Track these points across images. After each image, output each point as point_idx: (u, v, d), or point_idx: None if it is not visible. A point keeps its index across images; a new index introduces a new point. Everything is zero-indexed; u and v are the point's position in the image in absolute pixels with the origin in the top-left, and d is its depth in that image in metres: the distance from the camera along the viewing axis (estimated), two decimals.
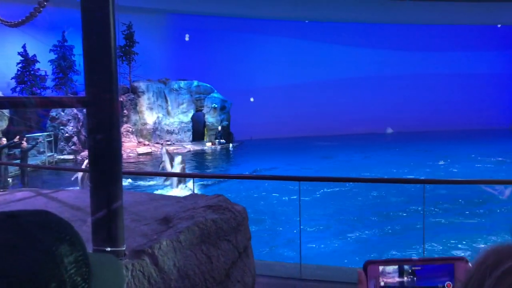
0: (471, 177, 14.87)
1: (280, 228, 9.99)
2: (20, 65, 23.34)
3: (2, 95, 17.62)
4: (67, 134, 22.30)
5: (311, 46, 32.13)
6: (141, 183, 15.42)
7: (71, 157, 21.67)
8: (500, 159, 19.56)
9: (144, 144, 24.81)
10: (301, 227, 6.24)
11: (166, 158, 16.21)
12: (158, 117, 25.76)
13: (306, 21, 31.58)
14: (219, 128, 26.52)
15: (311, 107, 31.38)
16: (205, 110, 27.05)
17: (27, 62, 23.43)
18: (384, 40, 32.94)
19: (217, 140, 26.11)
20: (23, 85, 23.38)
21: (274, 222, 10.53)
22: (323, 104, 31.60)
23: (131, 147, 23.74)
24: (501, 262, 0.57)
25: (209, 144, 25.99)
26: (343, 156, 21.50)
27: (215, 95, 27.23)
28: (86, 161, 23.17)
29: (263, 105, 30.59)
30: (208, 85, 27.27)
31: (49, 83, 24.31)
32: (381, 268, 1.02)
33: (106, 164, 2.37)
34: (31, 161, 16.33)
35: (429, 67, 33.48)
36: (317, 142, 26.89)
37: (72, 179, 13.44)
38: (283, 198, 12.23)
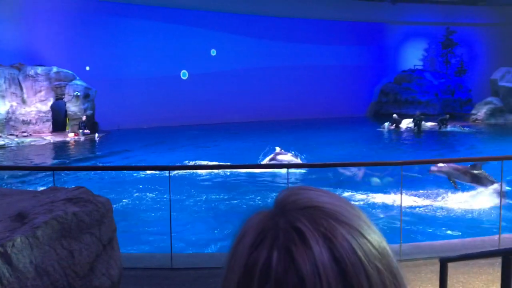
0: (328, 161, 16.12)
1: (153, 220, 9.82)
2: None
3: None
4: None
5: (191, 35, 31.70)
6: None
7: None
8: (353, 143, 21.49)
9: None
10: (172, 216, 6.21)
11: None
12: (11, 106, 23.44)
13: (193, 10, 31.05)
14: (83, 117, 25.01)
15: (185, 96, 31.08)
16: (66, 98, 25.25)
17: None
18: (245, 30, 33.73)
19: (80, 131, 24.61)
20: None
21: (147, 214, 10.31)
22: (196, 93, 31.51)
23: None
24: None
25: (71, 134, 24.39)
26: (223, 143, 21.92)
27: (77, 82, 25.55)
28: None
29: (133, 93, 29.51)
30: (70, 71, 25.48)
31: None
32: None
33: None
34: None
35: (292, 59, 35.24)
36: (192, 131, 26.86)
37: None
38: (155, 188, 12.02)
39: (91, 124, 25.34)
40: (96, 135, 24.94)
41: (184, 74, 31.48)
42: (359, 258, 0.47)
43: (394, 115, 27.95)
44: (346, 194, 11.16)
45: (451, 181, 10.31)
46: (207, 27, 32.22)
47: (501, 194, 7.10)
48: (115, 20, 29.53)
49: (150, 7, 30.24)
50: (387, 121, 28.06)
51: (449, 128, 27.08)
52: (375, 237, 0.51)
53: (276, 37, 34.54)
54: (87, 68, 27.78)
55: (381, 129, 27.31)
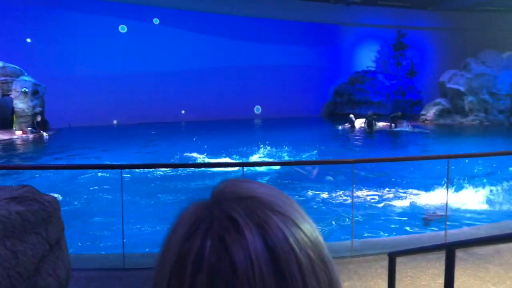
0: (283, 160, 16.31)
1: (105, 220, 9.59)
2: None
3: None
4: None
5: (149, 32, 31.07)
6: None
7: None
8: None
9: None
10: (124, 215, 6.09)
11: None
12: None
13: (153, 6, 30.36)
14: (31, 114, 24.09)
15: (139, 94, 30.46)
16: (13, 94, 24.21)
17: None
18: (200, 28, 33.50)
19: (29, 128, 23.68)
20: None
21: (99, 214, 10.06)
22: (152, 91, 30.98)
23: None
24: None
25: (19, 132, 23.42)
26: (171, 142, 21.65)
27: (25, 78, 24.56)
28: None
29: (86, 91, 28.64)
30: (17, 66, 24.47)
31: None
32: None
33: None
34: None
35: (247, 59, 35.28)
36: (146, 129, 26.43)
37: None
38: (106, 188, 11.75)
39: (40, 122, 24.42)
40: (45, 134, 24.05)
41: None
42: (291, 246, 0.48)
43: (351, 115, 28.55)
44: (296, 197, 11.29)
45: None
46: (166, 24, 31.76)
47: (447, 191, 7.39)
48: (67, 15, 28.60)
49: (106, 2, 29.46)
50: (341, 121, 28.60)
51: (399, 128, 27.96)
52: (308, 227, 0.52)
53: (231, 36, 34.49)
54: (34, 64, 26.67)
55: (339, 128, 28.07)
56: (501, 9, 41.27)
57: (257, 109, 34.76)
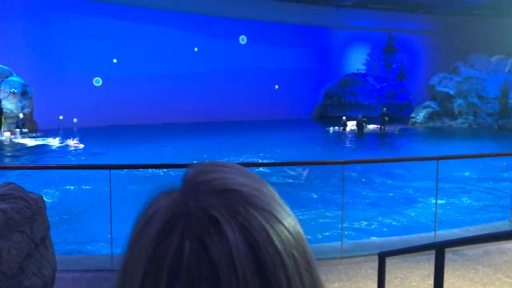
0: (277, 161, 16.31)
1: (93, 220, 9.51)
2: None
3: None
4: None
5: (152, 33, 30.92)
6: None
7: None
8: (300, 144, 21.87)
9: None
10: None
11: None
12: None
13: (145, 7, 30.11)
14: (20, 115, 23.85)
15: (127, 96, 30.26)
16: (1, 95, 23.98)
17: None
18: (187, 28, 33.44)
19: (18, 129, 23.45)
20: None
21: (87, 214, 9.98)
22: (140, 93, 30.80)
23: None
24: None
25: (7, 133, 23.18)
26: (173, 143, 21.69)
27: (14, 78, 24.33)
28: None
29: (75, 92, 28.34)
30: (6, 67, 24.22)
31: None
32: None
33: None
34: None
35: (239, 61, 35.21)
36: (135, 130, 26.31)
37: None
38: (95, 188, 11.65)
39: (29, 122, 24.19)
40: (34, 134, 23.82)
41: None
42: (276, 248, 0.44)
43: (344, 118, 28.66)
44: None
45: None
46: (151, 22, 31.58)
47: (437, 192, 7.42)
48: (56, 16, 28.33)
49: (94, 3, 29.21)
50: (331, 123, 28.74)
51: (389, 130, 28.21)
52: (290, 221, 0.49)
53: (223, 38, 34.43)
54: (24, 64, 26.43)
55: (330, 130, 28.25)
56: (489, 14, 41.76)
57: (248, 111, 34.75)
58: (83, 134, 24.23)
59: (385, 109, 30.55)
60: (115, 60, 30.13)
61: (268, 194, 0.50)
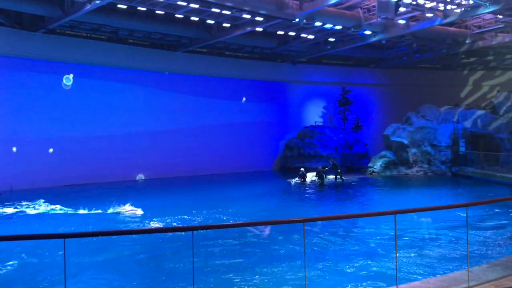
0: (236, 218, 16.20)
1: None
2: None
3: None
4: None
5: (102, 92, 30.66)
6: None
7: None
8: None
9: None
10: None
11: None
12: None
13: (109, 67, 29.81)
14: None
15: (88, 154, 29.54)
16: None
17: None
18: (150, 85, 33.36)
19: None
20: None
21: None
22: (100, 151, 30.18)
23: None
24: None
25: None
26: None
27: None
28: None
29: (28, 152, 27.42)
30: None
31: None
32: None
33: None
34: None
35: (201, 116, 35.46)
36: (97, 189, 25.67)
37: None
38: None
39: None
40: None
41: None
42: None
43: (302, 169, 28.96)
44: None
45: None
46: (117, 80, 31.51)
47: (396, 245, 7.53)
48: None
49: (48, 62, 28.83)
50: (292, 175, 28.96)
51: (347, 179, 28.83)
52: None
53: (186, 93, 34.73)
54: (14, 149, 25.73)
55: (291, 182, 28.45)
56: (436, 67, 44.35)
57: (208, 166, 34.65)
58: (39, 195, 23.40)
59: (331, 160, 31.48)
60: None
61: None
